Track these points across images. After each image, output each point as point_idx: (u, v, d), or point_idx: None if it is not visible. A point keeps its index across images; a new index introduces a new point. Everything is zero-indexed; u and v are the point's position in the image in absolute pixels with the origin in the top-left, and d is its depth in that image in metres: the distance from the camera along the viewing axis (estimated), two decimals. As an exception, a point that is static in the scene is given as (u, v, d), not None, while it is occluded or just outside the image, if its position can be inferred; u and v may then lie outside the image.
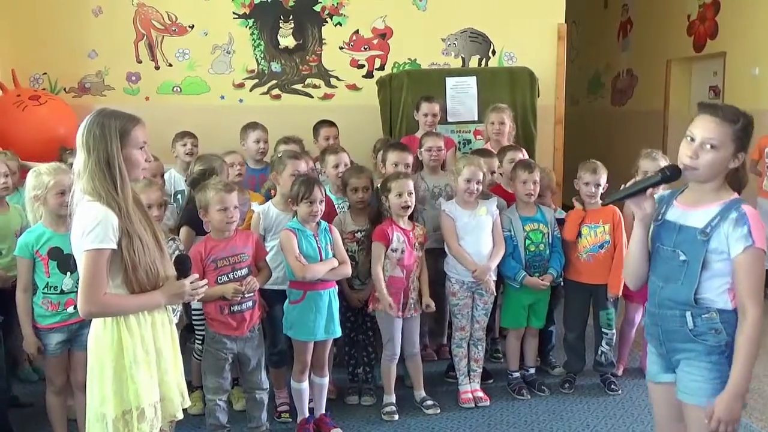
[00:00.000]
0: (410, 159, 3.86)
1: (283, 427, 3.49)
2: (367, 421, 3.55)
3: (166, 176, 4.25)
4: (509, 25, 5.60)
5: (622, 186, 2.16)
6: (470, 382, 3.76)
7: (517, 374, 3.90)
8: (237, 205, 3.09)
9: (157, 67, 5.54)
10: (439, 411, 3.61)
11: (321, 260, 3.22)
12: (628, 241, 3.74)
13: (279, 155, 3.76)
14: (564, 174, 5.58)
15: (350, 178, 3.64)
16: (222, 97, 5.58)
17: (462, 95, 5.06)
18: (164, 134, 4.41)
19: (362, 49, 5.64)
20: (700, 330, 2.06)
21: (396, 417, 3.54)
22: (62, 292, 2.94)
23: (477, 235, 3.62)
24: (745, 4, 6.48)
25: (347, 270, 3.33)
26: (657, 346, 2.20)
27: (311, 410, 3.40)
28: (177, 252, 3.20)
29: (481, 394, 3.74)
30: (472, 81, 5.09)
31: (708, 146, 2.00)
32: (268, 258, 3.27)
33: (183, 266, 2.29)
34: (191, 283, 2.27)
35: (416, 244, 3.55)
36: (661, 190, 2.39)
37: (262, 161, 4.46)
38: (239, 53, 5.57)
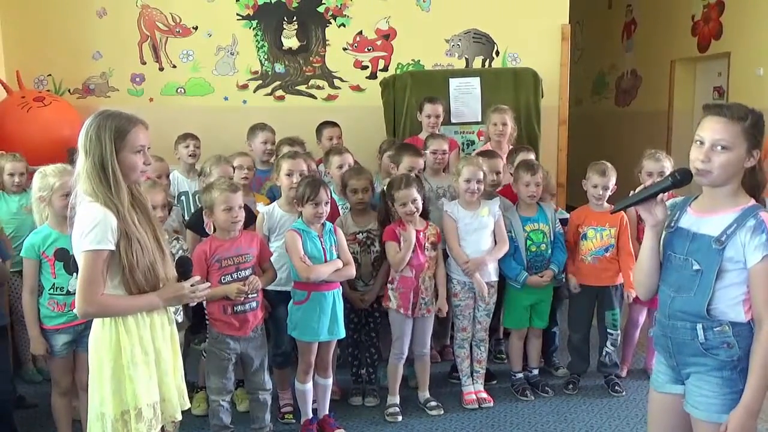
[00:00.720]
0: (422, 163, 3.87)
1: (286, 428, 3.50)
2: (370, 422, 3.55)
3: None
4: (513, 26, 5.59)
5: (631, 192, 2.06)
6: (473, 383, 3.76)
7: (521, 375, 3.90)
8: (242, 204, 3.10)
9: (161, 69, 5.56)
10: (442, 412, 3.61)
11: (325, 261, 3.22)
12: (632, 241, 3.75)
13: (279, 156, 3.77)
14: (568, 175, 5.57)
15: (350, 179, 3.64)
16: (226, 99, 5.60)
17: (465, 96, 5.06)
18: (168, 135, 4.41)
19: (366, 50, 5.65)
20: (712, 344, 1.96)
21: (399, 418, 3.55)
22: (68, 293, 2.93)
23: (478, 235, 3.61)
24: (749, 5, 6.46)
25: (351, 271, 3.33)
26: (667, 357, 2.10)
27: (315, 411, 3.41)
28: (181, 252, 3.22)
29: (484, 395, 3.74)
30: (475, 82, 5.08)
31: (719, 147, 1.90)
32: (272, 259, 3.28)
33: (184, 268, 2.29)
34: (192, 285, 2.26)
35: (427, 244, 3.53)
36: (673, 197, 2.25)
37: (269, 162, 4.45)
38: (243, 54, 5.58)
